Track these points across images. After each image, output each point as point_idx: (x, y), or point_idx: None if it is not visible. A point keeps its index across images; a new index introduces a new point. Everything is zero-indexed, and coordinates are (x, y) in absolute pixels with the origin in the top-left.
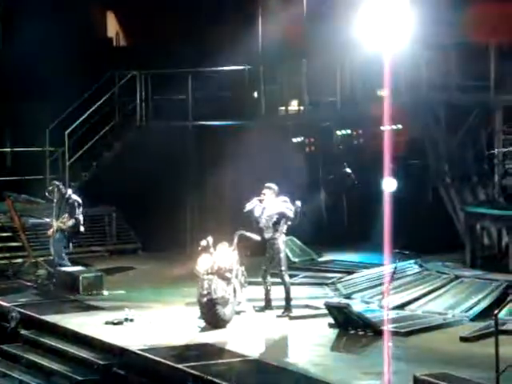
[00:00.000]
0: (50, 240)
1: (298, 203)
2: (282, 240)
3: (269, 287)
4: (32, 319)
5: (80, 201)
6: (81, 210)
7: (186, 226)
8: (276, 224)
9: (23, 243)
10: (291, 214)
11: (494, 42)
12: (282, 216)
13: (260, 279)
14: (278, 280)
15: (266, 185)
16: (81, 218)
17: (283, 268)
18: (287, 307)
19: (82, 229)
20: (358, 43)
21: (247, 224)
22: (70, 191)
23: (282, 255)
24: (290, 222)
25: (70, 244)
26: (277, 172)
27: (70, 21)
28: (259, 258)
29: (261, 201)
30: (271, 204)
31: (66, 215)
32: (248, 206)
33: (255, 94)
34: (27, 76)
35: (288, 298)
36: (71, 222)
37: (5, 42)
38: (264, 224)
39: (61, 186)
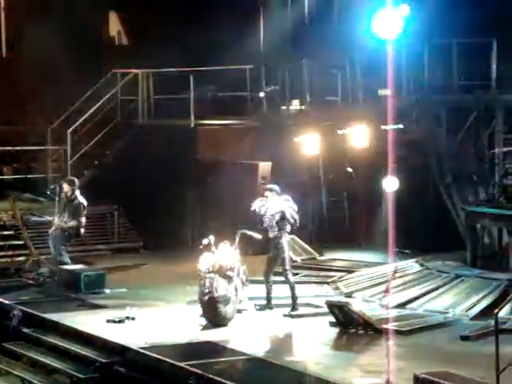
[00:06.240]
0: (49, 237)
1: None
2: (285, 239)
3: (270, 287)
4: (34, 317)
5: (85, 203)
6: (85, 212)
7: (187, 224)
8: (279, 223)
9: (25, 241)
10: (294, 214)
11: (495, 41)
12: (283, 215)
13: (262, 278)
14: (281, 279)
15: (267, 187)
16: (83, 220)
17: (287, 267)
18: (294, 306)
19: (82, 231)
20: (360, 43)
21: (248, 223)
22: (77, 192)
23: (286, 254)
24: (294, 221)
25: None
26: (278, 171)
27: (72, 20)
28: (261, 257)
29: (264, 200)
30: (274, 203)
31: (66, 215)
32: (253, 206)
33: (257, 94)
34: (33, 76)
35: (294, 297)
36: (73, 223)
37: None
38: (268, 223)
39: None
